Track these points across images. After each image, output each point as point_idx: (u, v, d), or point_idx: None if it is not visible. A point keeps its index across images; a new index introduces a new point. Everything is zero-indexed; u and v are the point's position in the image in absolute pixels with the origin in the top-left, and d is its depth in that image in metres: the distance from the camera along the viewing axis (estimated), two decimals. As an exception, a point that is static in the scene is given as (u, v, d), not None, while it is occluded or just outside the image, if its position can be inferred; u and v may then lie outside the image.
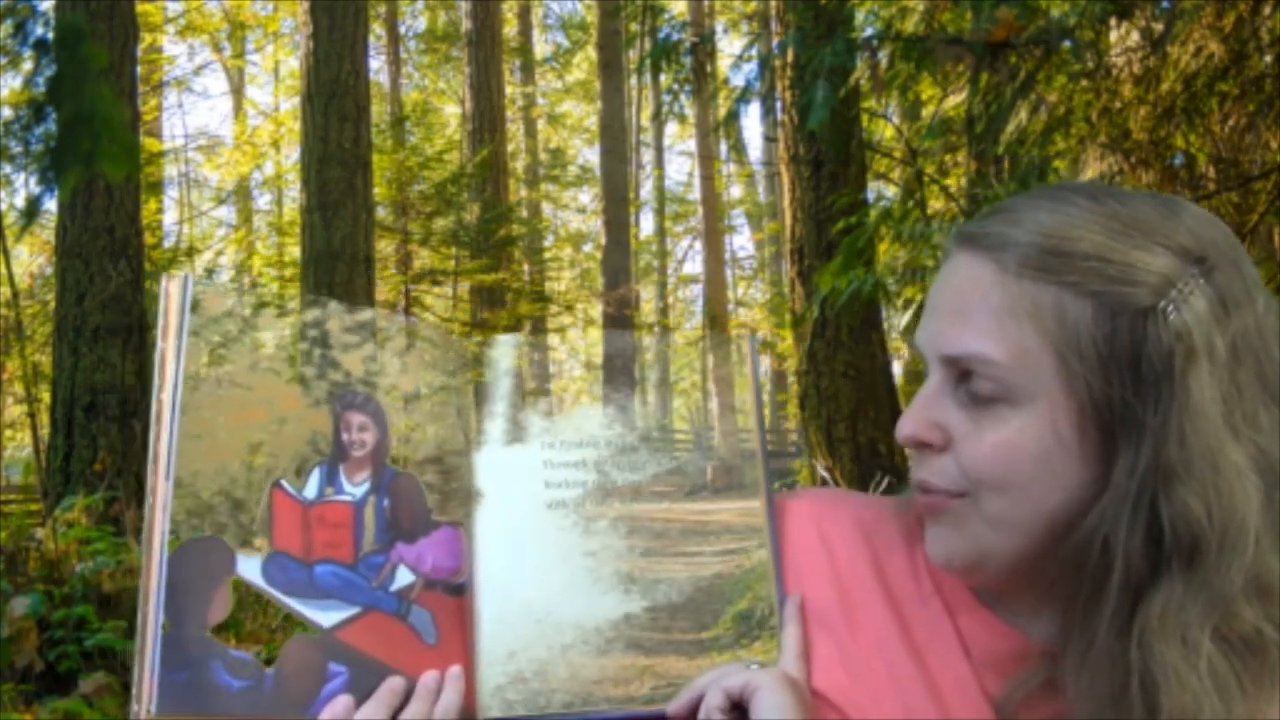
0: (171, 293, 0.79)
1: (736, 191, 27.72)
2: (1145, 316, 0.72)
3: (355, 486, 0.84)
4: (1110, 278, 0.73)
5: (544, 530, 0.88)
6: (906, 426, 0.79)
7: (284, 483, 0.81)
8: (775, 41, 7.48)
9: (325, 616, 0.80)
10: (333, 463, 0.83)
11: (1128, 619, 0.73)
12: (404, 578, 0.84)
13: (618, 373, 0.93)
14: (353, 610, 0.81)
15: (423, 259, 12.44)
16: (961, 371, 0.77)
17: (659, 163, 24.21)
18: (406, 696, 0.80)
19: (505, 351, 0.92)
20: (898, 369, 9.34)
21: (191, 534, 0.77)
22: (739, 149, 21.91)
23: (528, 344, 0.94)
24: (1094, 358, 0.73)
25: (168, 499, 0.76)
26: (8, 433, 10.32)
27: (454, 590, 0.86)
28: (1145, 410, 0.72)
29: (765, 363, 20.48)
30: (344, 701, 0.78)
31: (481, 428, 0.90)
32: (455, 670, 0.83)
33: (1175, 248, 0.74)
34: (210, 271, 13.21)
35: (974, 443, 0.76)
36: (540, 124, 24.16)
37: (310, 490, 0.82)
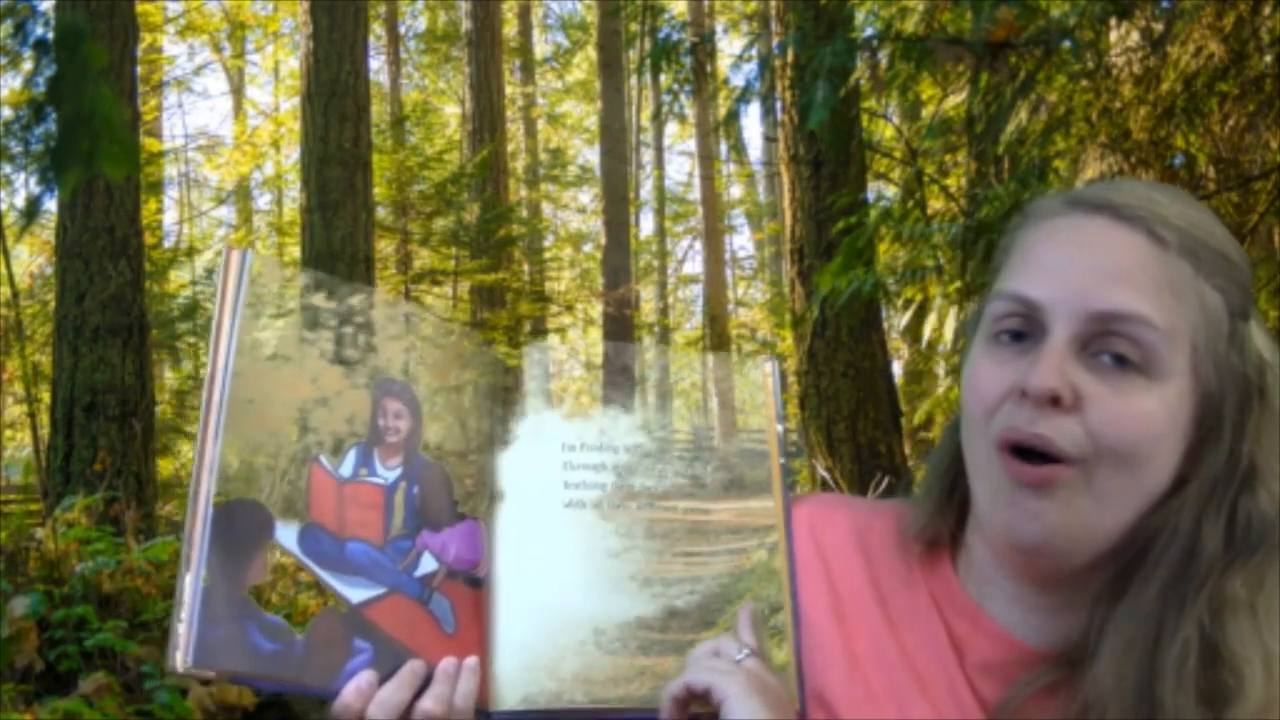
0: (231, 265, 0.82)
1: (736, 191, 27.71)
2: (1243, 322, 0.76)
3: (388, 470, 0.86)
4: (1232, 278, 0.76)
5: (561, 529, 0.90)
6: (1049, 378, 0.73)
7: (322, 458, 0.83)
8: (775, 41, 7.48)
9: (354, 593, 0.82)
10: (368, 445, 0.86)
11: (1193, 601, 0.74)
12: (427, 565, 0.86)
13: (632, 382, 0.96)
14: (379, 590, 0.83)
15: (423, 259, 12.43)
16: (1099, 333, 0.74)
17: (659, 163, 24.19)
18: (425, 681, 0.82)
19: (535, 357, 0.95)
20: (898, 369, 9.34)
21: (235, 496, 0.79)
22: (739, 149, 21.89)
23: (555, 350, 0.97)
24: (1215, 351, 0.76)
25: (215, 459, 0.78)
26: (8, 433, 10.32)
27: (473, 582, 0.88)
28: (1235, 409, 0.75)
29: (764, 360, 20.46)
30: (367, 677, 0.79)
31: (506, 428, 0.93)
32: (472, 661, 0.84)
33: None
34: (210, 271, 13.18)
35: (1114, 407, 0.74)
36: (540, 124, 24.13)
37: (346, 469, 0.84)
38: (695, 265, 25.85)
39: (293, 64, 18.90)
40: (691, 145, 23.28)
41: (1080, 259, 0.76)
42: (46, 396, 7.27)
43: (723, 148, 20.44)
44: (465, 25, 14.83)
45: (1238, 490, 0.74)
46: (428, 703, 0.80)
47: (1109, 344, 0.74)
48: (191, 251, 14.06)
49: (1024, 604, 0.83)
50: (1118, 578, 0.77)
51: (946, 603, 0.86)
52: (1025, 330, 0.78)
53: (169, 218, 18.42)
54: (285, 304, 0.85)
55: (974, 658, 0.83)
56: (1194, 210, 0.78)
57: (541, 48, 23.98)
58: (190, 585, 0.75)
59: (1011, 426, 0.75)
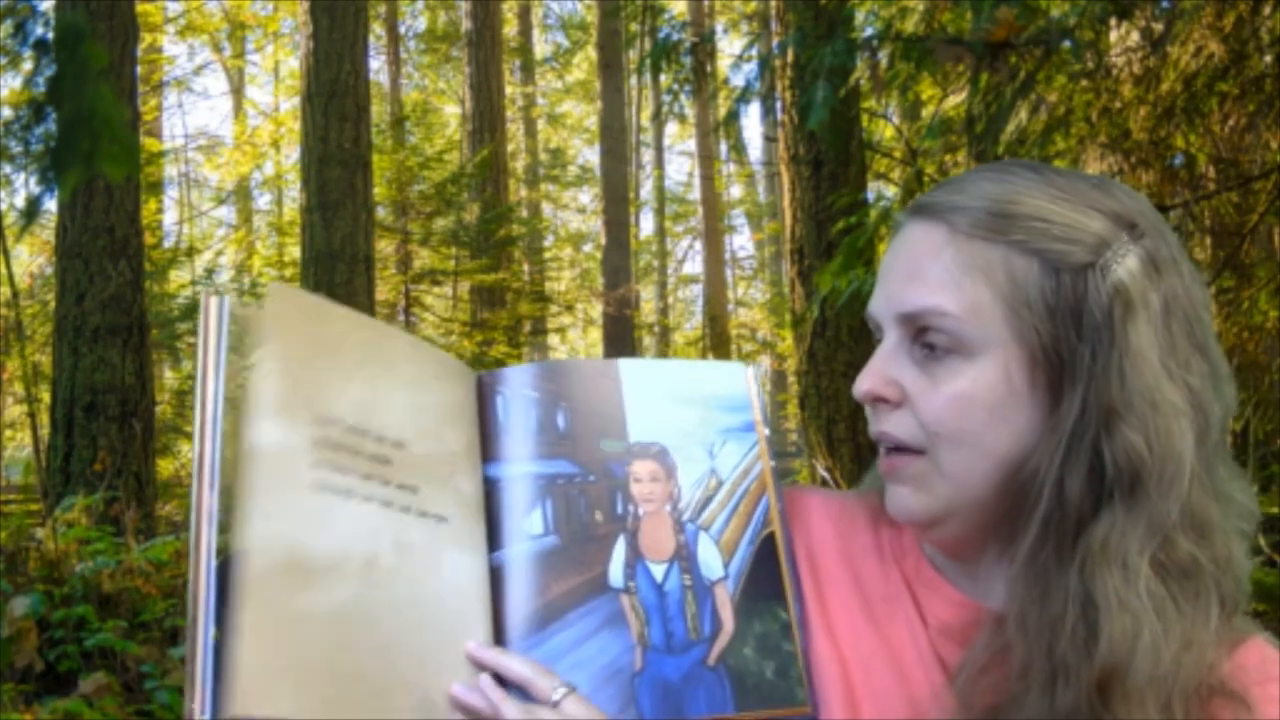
0: (210, 311, 0.79)
1: (736, 191, 27.69)
2: (1085, 272, 0.78)
3: None
4: (1053, 237, 0.79)
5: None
6: (864, 383, 0.84)
7: None
8: (775, 41, 7.47)
9: None
10: None
11: (1070, 549, 0.77)
12: None
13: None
14: None
15: (423, 259, 12.42)
16: (917, 329, 0.81)
17: (659, 163, 24.17)
18: None
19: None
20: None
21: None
22: (739, 149, 21.86)
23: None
24: (1041, 308, 0.79)
25: (213, 510, 0.76)
26: (8, 433, 10.33)
27: None
28: (1088, 356, 0.77)
29: (765, 362, 20.46)
30: None
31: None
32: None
33: (1109, 213, 0.80)
34: (210, 271, 13.17)
35: (930, 396, 0.81)
36: (540, 124, 24.13)
37: None
38: (695, 265, 25.85)
39: (293, 64, 18.91)
40: (691, 145, 23.27)
41: (892, 266, 0.84)
42: (46, 396, 7.27)
43: (723, 148, 20.43)
44: (465, 25, 14.82)
45: (1095, 434, 0.76)
46: None
47: (923, 337, 0.81)
48: (191, 251, 14.03)
49: (958, 571, 0.87)
50: (1011, 538, 0.81)
51: (913, 574, 0.90)
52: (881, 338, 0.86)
53: (169, 218, 18.41)
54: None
55: (934, 621, 0.87)
56: (1010, 184, 0.81)
57: (541, 48, 23.97)
58: (200, 643, 0.74)
59: (871, 425, 0.86)
